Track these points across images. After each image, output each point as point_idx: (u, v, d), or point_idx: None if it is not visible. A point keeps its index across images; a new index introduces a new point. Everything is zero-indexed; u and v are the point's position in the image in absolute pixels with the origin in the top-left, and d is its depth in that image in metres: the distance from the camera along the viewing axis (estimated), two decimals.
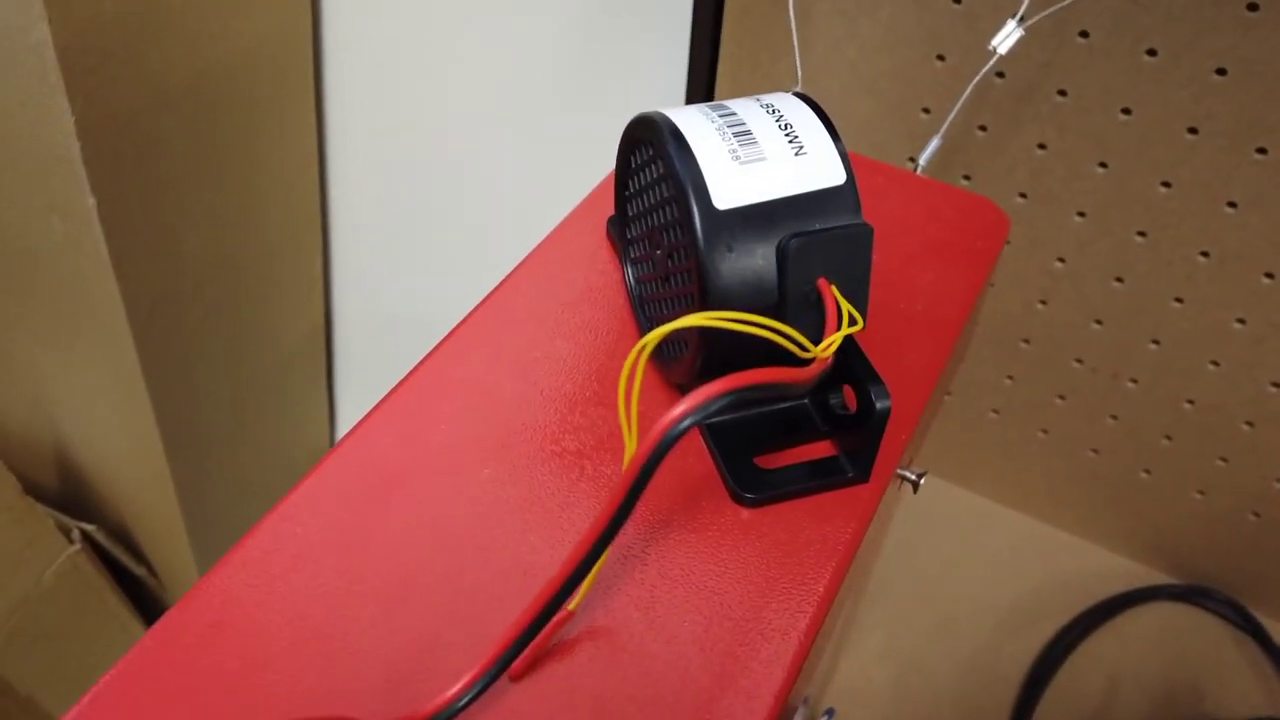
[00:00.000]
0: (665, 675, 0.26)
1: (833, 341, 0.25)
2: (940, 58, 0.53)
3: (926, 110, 0.55)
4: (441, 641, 0.26)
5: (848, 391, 0.30)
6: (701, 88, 0.59)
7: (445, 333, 0.34)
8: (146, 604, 0.95)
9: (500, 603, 0.27)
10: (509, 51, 0.72)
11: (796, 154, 0.28)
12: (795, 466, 0.30)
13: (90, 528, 0.87)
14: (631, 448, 0.24)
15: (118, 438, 0.85)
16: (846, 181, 0.28)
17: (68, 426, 0.88)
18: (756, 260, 0.27)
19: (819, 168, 0.28)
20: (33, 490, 0.82)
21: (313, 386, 0.99)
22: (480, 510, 0.29)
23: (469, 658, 0.26)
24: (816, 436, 0.31)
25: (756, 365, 0.26)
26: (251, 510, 0.96)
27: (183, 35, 0.68)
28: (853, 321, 0.27)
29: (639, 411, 0.28)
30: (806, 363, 0.25)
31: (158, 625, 0.26)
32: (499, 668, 0.23)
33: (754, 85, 0.58)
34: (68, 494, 0.94)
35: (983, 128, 0.55)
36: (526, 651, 0.24)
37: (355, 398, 1.01)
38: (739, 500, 0.30)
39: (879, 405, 0.28)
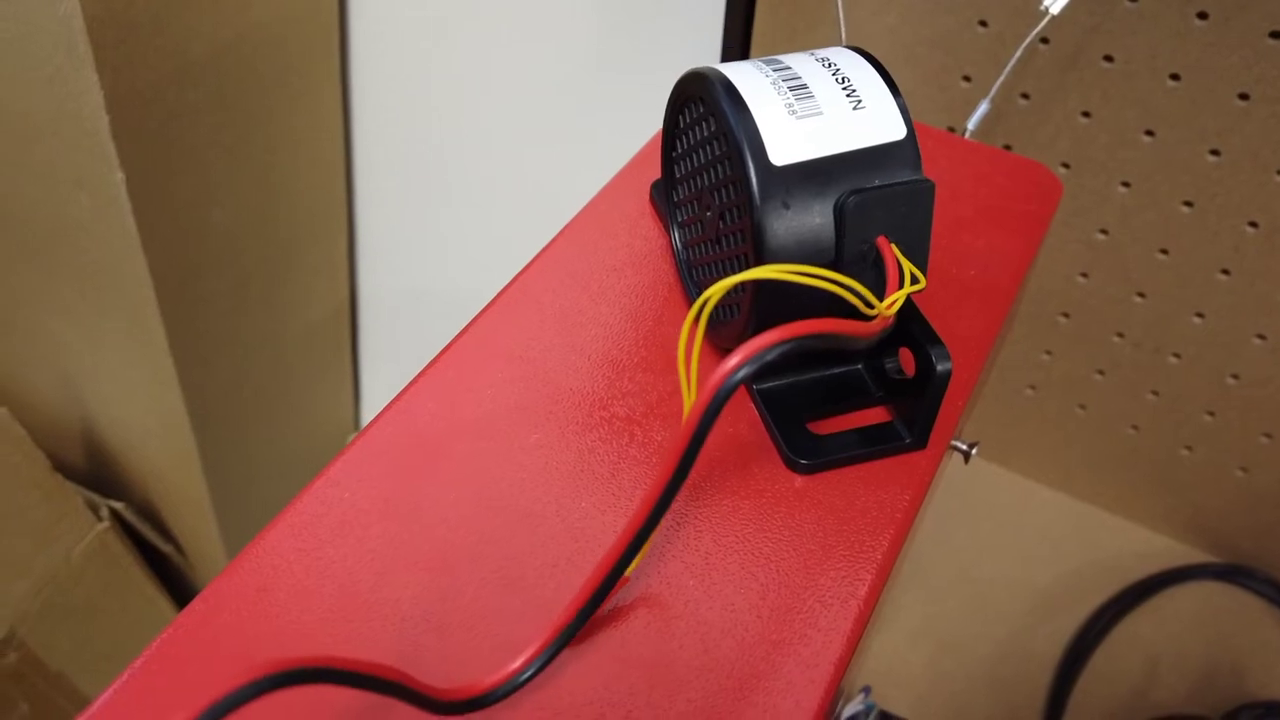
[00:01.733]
0: (721, 642, 0.25)
1: (896, 299, 0.25)
2: (982, 23, 0.52)
3: (967, 78, 0.54)
4: (493, 607, 0.26)
5: (904, 354, 0.29)
6: (736, 56, 0.58)
7: (471, 309, 0.33)
8: (173, 581, 0.96)
9: (552, 569, 0.26)
10: (539, 23, 0.71)
11: (854, 108, 0.27)
12: (849, 433, 0.30)
13: (119, 505, 0.88)
14: (690, 402, 0.23)
15: (145, 414, 0.85)
16: (907, 136, 0.27)
17: (95, 404, 0.88)
18: (814, 218, 0.26)
19: (878, 122, 0.27)
20: (61, 467, 0.82)
21: (338, 363, 0.98)
22: (528, 476, 0.28)
23: (522, 623, 0.25)
24: (870, 402, 0.31)
25: None
26: (277, 488, 0.96)
27: (208, 7, 0.68)
28: (914, 281, 0.26)
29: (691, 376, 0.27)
30: (869, 320, 0.24)
31: (207, 590, 0.25)
32: (564, 639, 0.22)
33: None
34: (96, 471, 0.94)
35: (1025, 95, 0.53)
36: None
37: (380, 374, 1.01)
38: (793, 467, 0.29)
39: (940, 368, 0.27)
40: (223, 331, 0.82)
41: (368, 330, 0.98)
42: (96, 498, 0.86)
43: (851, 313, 0.26)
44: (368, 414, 1.02)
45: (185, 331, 0.77)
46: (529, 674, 0.22)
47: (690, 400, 0.23)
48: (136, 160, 0.67)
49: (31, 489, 0.80)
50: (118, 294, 0.75)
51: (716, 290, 0.22)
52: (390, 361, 1.00)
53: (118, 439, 0.90)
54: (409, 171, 0.86)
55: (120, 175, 0.66)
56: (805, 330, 0.20)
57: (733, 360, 0.20)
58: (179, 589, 0.96)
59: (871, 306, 0.24)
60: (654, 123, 0.40)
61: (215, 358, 0.83)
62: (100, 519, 0.85)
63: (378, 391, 1.01)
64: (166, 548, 0.94)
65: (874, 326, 0.23)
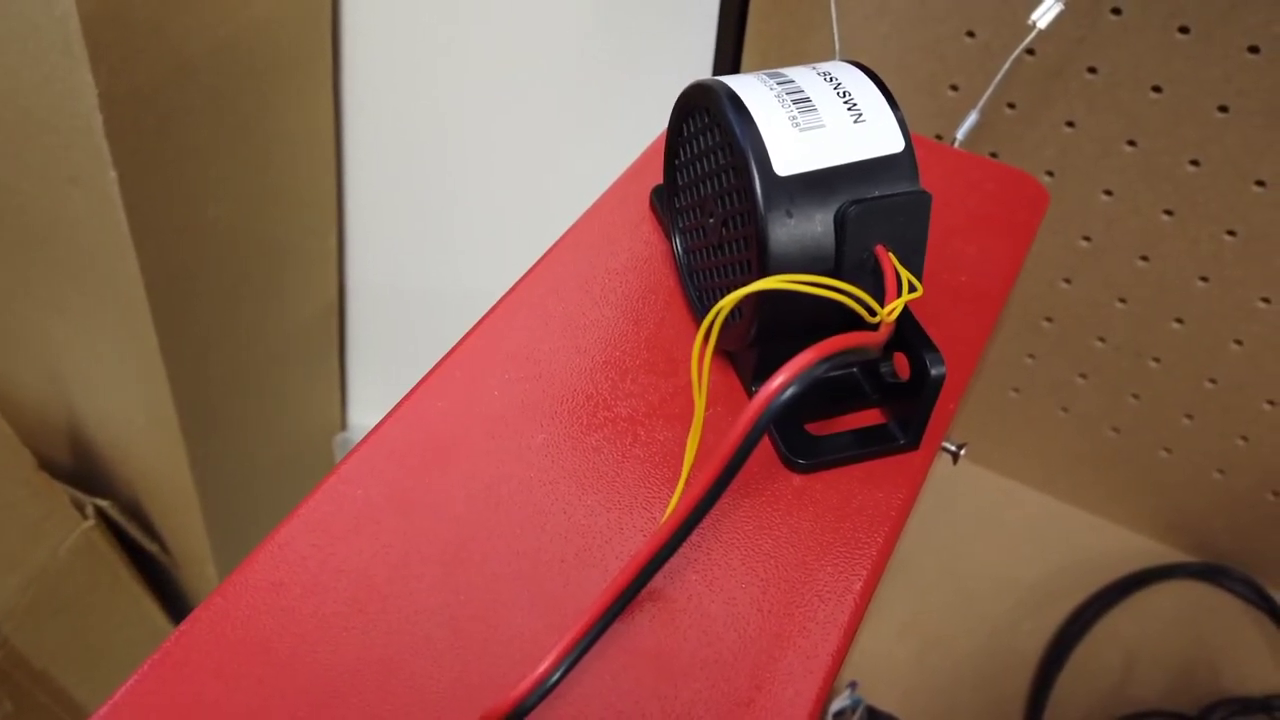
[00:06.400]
0: (724, 635, 0.26)
1: (895, 307, 0.26)
2: (970, 34, 0.53)
3: (954, 87, 0.55)
4: (504, 601, 0.26)
5: (899, 359, 0.30)
6: (728, 64, 0.59)
7: (458, 308, 0.34)
8: (159, 580, 0.96)
9: (560, 564, 0.27)
10: (531, 27, 0.71)
11: (855, 121, 0.28)
12: (845, 434, 0.31)
13: (104, 503, 0.87)
14: (701, 407, 0.24)
15: (133, 413, 0.85)
16: (905, 149, 0.28)
17: (83, 400, 0.88)
18: (815, 227, 0.27)
19: (877, 135, 0.28)
20: (47, 465, 0.82)
21: (326, 362, 0.99)
22: (535, 475, 0.29)
23: (532, 616, 0.26)
24: (865, 404, 0.31)
25: (811, 330, 0.26)
26: (264, 486, 0.96)
27: (204, 7, 0.68)
28: (912, 288, 0.27)
29: (688, 378, 0.28)
30: (874, 327, 0.25)
31: (223, 584, 0.26)
32: (589, 639, 0.23)
33: (783, 61, 0.58)
34: (82, 469, 0.94)
35: (1011, 105, 0.55)
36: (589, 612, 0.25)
37: (367, 374, 1.01)
38: (791, 466, 0.30)
39: (934, 372, 0.28)
40: (212, 330, 0.83)
41: (355, 329, 0.99)
42: (82, 496, 0.86)
43: (851, 319, 0.27)
44: (355, 413, 1.03)
45: (175, 329, 0.77)
46: (555, 678, 0.22)
47: (702, 405, 0.24)
48: (130, 159, 0.67)
49: (17, 486, 0.80)
50: (109, 291, 0.75)
51: (728, 302, 0.23)
52: (377, 361, 1.00)
53: (105, 436, 0.90)
54: (398, 171, 0.86)
55: (113, 174, 0.67)
56: (837, 347, 0.21)
57: (777, 381, 0.21)
58: (164, 588, 0.96)
59: (874, 314, 0.25)
60: (644, 125, 0.41)
61: (204, 356, 0.83)
62: (86, 517, 0.85)
63: (365, 390, 1.02)
64: (152, 547, 0.93)
65: (881, 335, 0.24)
